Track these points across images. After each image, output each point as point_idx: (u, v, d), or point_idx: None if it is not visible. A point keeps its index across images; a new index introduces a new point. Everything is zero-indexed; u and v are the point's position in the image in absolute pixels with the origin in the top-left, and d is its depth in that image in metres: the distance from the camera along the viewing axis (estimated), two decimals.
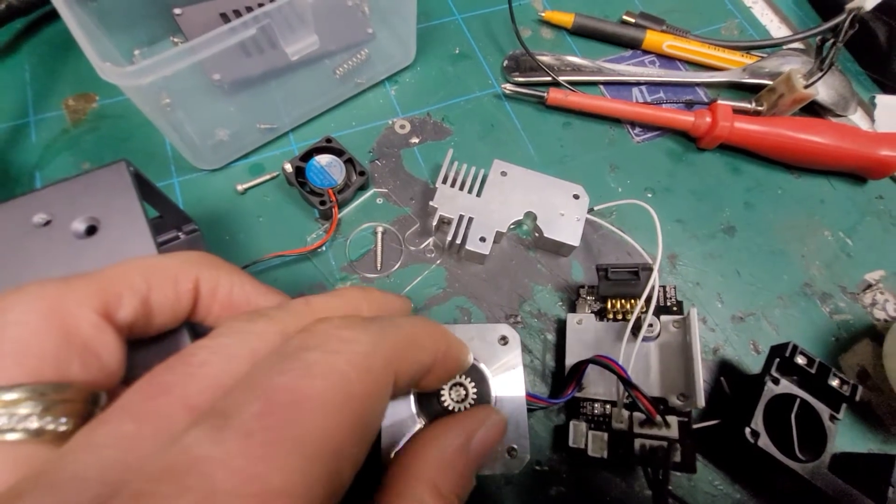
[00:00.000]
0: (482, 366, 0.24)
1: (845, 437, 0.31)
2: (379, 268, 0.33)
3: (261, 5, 0.37)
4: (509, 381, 0.24)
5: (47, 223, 0.22)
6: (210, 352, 0.14)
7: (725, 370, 0.31)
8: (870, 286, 0.35)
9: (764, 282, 0.34)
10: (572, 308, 0.32)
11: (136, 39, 0.38)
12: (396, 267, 0.33)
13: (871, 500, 0.25)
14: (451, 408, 0.21)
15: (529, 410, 0.29)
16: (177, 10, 0.37)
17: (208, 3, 0.38)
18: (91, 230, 0.23)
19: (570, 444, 0.27)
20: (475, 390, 0.22)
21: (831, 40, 0.35)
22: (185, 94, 0.34)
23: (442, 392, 0.21)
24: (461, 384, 0.21)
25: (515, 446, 0.23)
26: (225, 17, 0.37)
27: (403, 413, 0.22)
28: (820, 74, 0.35)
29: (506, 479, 0.28)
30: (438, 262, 0.33)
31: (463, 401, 0.21)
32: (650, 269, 0.28)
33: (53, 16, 0.38)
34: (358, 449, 0.12)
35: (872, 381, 0.32)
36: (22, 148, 0.34)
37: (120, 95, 0.36)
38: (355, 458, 0.12)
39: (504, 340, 0.25)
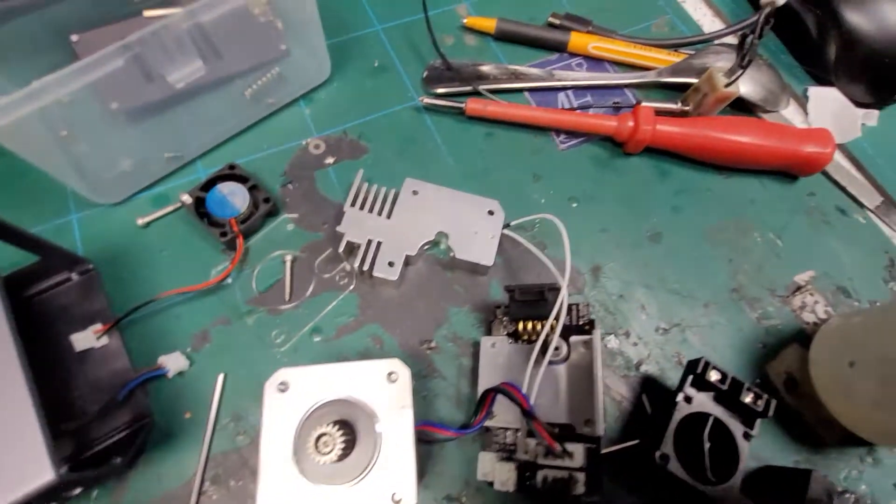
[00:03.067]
0: (369, 406, 0.23)
1: (774, 447, 0.30)
2: (288, 298, 0.31)
3: None
4: (397, 419, 0.23)
5: None
6: None
7: (648, 386, 0.30)
8: (799, 288, 0.34)
9: (690, 290, 0.33)
10: (489, 330, 0.31)
11: (34, 69, 0.36)
12: (308, 295, 0.32)
13: (767, 493, 0.24)
14: (319, 461, 0.20)
15: (435, 442, 0.28)
16: (74, 37, 0.35)
17: (107, 28, 0.36)
18: None
19: (478, 476, 0.26)
20: (343, 439, 0.20)
21: (750, 35, 0.33)
22: (83, 124, 0.32)
23: (307, 445, 0.20)
24: (327, 434, 0.20)
25: (399, 492, 0.22)
26: None
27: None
28: (740, 72, 0.34)
29: None
30: (351, 287, 0.32)
31: (329, 451, 0.20)
32: (557, 289, 0.27)
33: None
34: None
35: (801, 388, 0.31)
36: None
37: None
38: None
39: (393, 376, 0.24)
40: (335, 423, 0.22)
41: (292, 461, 0.22)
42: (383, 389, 0.24)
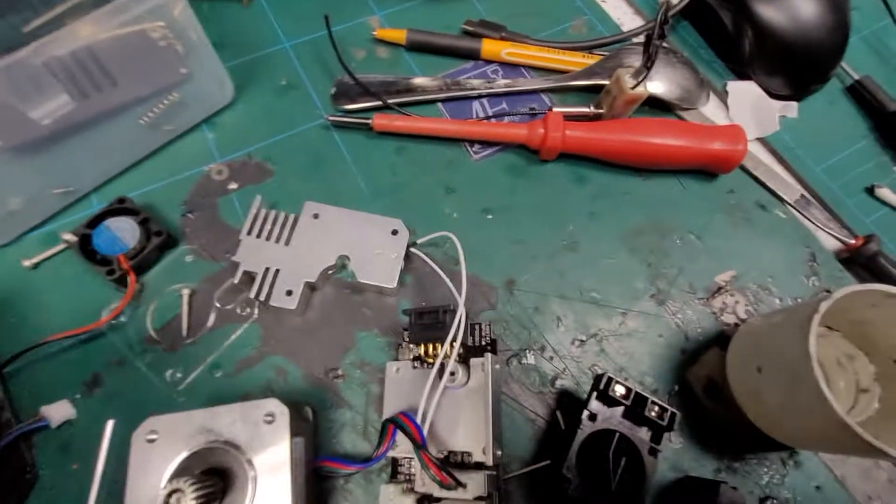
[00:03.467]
0: (245, 454, 0.22)
1: (692, 454, 0.29)
2: (185, 334, 0.30)
3: None
4: (274, 467, 0.22)
5: None
6: None
7: (564, 401, 0.29)
8: (720, 289, 0.33)
9: (608, 298, 0.32)
10: (398, 353, 0.30)
11: None
12: (207, 328, 0.30)
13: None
14: None
15: (338, 477, 0.27)
16: None
17: None
18: None
19: None
20: (199, 494, 0.19)
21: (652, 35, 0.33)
22: None
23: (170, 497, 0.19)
24: (178, 490, 0.19)
25: None
26: None
27: None
28: (646, 73, 0.33)
29: None
30: (254, 318, 0.31)
31: None
32: (452, 311, 0.26)
33: None
34: None
35: (721, 392, 0.30)
36: None
37: None
38: None
39: (270, 417, 0.22)
40: (201, 474, 0.21)
41: None
42: (260, 432, 0.22)
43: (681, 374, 0.31)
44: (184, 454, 0.22)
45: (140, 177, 0.34)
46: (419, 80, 0.38)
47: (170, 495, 0.19)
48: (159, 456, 0.22)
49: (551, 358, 0.31)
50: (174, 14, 0.32)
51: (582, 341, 0.31)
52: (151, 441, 0.22)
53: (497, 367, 0.26)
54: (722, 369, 0.30)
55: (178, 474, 0.21)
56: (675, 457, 0.29)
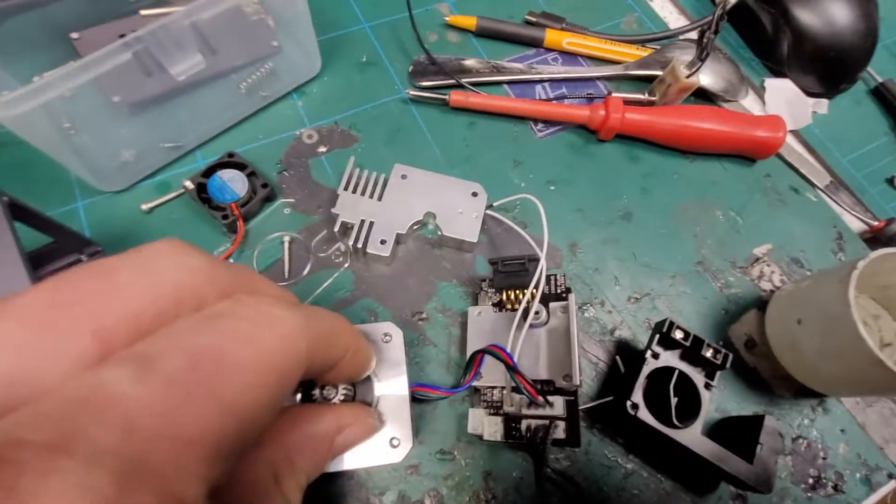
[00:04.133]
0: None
1: (736, 401, 0.33)
2: (287, 276, 0.33)
3: None
4: (392, 376, 0.25)
5: None
6: (136, 273, 0.13)
7: (621, 349, 0.33)
8: (757, 259, 0.37)
9: (659, 263, 0.36)
10: (475, 301, 0.33)
11: (38, 66, 0.37)
12: (305, 273, 0.34)
13: (742, 457, 0.27)
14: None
15: (429, 401, 0.30)
16: (74, 35, 0.37)
17: (106, 25, 0.38)
18: None
19: (469, 429, 0.28)
20: (345, 390, 0.23)
21: (707, 31, 0.37)
22: (86, 117, 0.34)
23: (314, 395, 0.22)
24: (332, 386, 0.22)
25: (398, 436, 0.24)
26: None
27: None
28: (699, 64, 0.37)
29: (410, 467, 0.29)
30: (346, 265, 0.34)
31: (332, 400, 0.22)
32: (537, 260, 0.30)
33: None
34: (266, 416, 0.13)
35: (759, 347, 0.34)
36: None
37: None
38: (261, 423, 0.13)
39: (387, 338, 0.26)
40: None
41: None
42: (379, 349, 0.26)
43: (723, 331, 0.35)
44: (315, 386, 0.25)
45: (239, 137, 0.38)
46: (486, 63, 0.42)
47: (323, 388, 0.22)
48: None
49: (610, 312, 0.34)
50: None
51: (637, 299, 0.35)
52: None
53: (576, 308, 0.29)
54: (760, 327, 0.34)
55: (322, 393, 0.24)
56: (718, 401, 0.33)
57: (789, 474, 0.31)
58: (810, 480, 0.31)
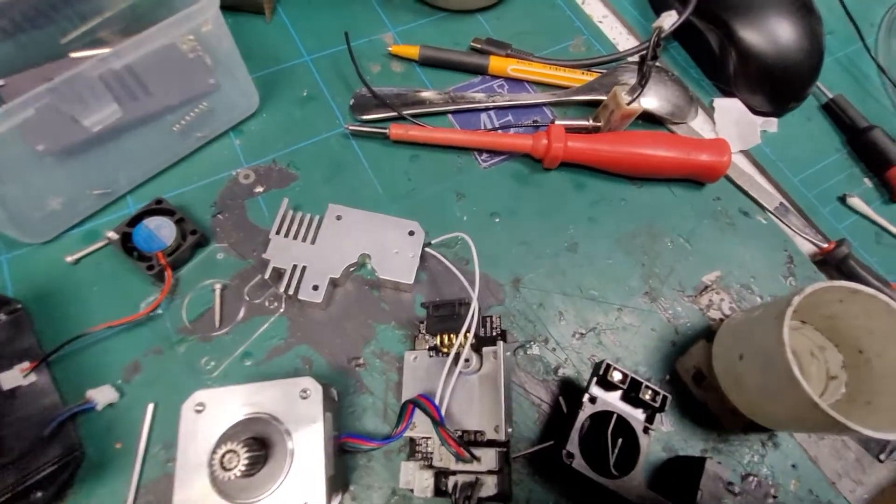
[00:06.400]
0: (281, 423, 0.24)
1: (682, 437, 0.32)
2: (218, 325, 0.32)
3: None
4: (308, 435, 0.24)
5: None
6: None
7: (566, 388, 0.32)
8: (707, 288, 0.36)
9: (605, 295, 0.35)
10: (413, 345, 0.32)
11: None
12: (238, 320, 0.33)
13: (674, 485, 0.26)
14: (224, 478, 0.21)
15: (353, 452, 0.29)
16: (0, 81, 0.36)
17: (35, 70, 0.37)
18: None
19: (400, 485, 0.27)
20: (248, 455, 0.22)
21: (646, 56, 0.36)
22: (10, 166, 0.33)
23: (213, 462, 0.21)
24: (233, 451, 0.21)
25: (309, 501, 0.23)
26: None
27: None
28: (640, 90, 0.37)
29: None
30: (281, 311, 0.33)
31: (232, 468, 0.21)
32: (467, 304, 0.29)
33: None
34: None
35: (707, 381, 0.33)
36: None
37: None
38: None
39: (305, 393, 0.25)
40: (248, 440, 0.23)
41: (207, 480, 0.23)
42: (296, 406, 0.25)
43: (671, 365, 0.34)
44: (228, 423, 0.24)
45: (172, 180, 0.37)
46: (430, 94, 0.41)
47: (224, 455, 0.21)
48: (206, 425, 0.24)
49: (554, 349, 0.33)
50: (203, 29, 0.34)
51: (582, 334, 0.34)
52: (199, 411, 0.25)
53: (507, 354, 0.29)
54: (708, 360, 0.33)
55: (224, 440, 0.23)
56: (666, 439, 0.32)
57: None
58: None
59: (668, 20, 0.34)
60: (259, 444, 0.23)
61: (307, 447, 0.24)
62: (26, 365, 0.29)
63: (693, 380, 0.33)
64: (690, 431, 0.32)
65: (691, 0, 0.42)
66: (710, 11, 0.43)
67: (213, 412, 0.25)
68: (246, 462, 0.21)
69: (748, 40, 0.42)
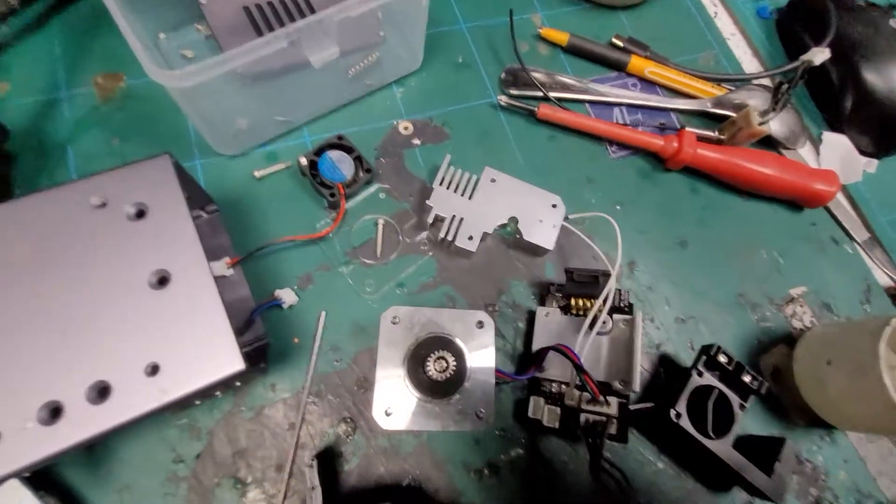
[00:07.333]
0: (461, 344, 0.30)
1: (758, 422, 0.37)
2: (378, 255, 0.37)
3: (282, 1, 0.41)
4: (482, 357, 0.29)
5: (103, 205, 0.26)
6: None
7: (665, 363, 0.37)
8: (792, 299, 0.41)
9: (706, 290, 0.40)
10: (542, 302, 0.37)
11: (161, 23, 0.40)
12: (394, 256, 0.37)
13: (762, 471, 0.31)
14: (433, 377, 0.26)
15: (497, 384, 0.35)
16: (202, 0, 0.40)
17: None
18: (140, 214, 0.27)
19: (530, 414, 0.33)
20: (455, 364, 0.27)
21: (785, 85, 0.40)
22: (211, 84, 0.37)
23: (427, 364, 0.26)
24: (443, 357, 0.27)
25: (483, 410, 0.28)
26: (247, 11, 0.40)
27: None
28: (773, 115, 0.40)
29: (474, 438, 0.33)
30: (431, 254, 0.38)
31: (444, 371, 0.26)
32: (608, 276, 0.34)
33: None
34: None
35: (783, 379, 0.38)
36: (55, 122, 0.37)
37: (146, 77, 0.39)
38: None
39: (480, 324, 0.30)
40: (452, 350, 0.28)
41: (403, 375, 0.28)
42: (472, 333, 0.30)
43: (754, 360, 0.39)
44: (419, 336, 0.29)
45: (342, 120, 0.41)
46: (571, 80, 0.45)
47: (437, 360, 0.26)
48: (399, 334, 0.29)
49: (658, 328, 0.38)
50: None
51: (683, 320, 0.39)
52: (395, 323, 0.30)
53: (641, 322, 0.33)
54: (787, 360, 0.38)
55: (418, 349, 0.28)
56: (742, 422, 0.37)
57: (793, 490, 0.36)
58: (810, 498, 0.36)
59: (820, 56, 0.38)
60: (456, 357, 0.28)
61: (481, 368, 0.29)
62: (229, 260, 0.34)
63: (771, 375, 0.38)
64: (763, 418, 0.37)
65: (827, 36, 0.45)
66: (839, 49, 0.46)
67: (404, 325, 0.30)
68: (453, 369, 0.26)
69: (870, 82, 0.45)
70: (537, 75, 0.44)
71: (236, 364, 0.24)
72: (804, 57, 0.38)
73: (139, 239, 0.26)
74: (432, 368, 0.26)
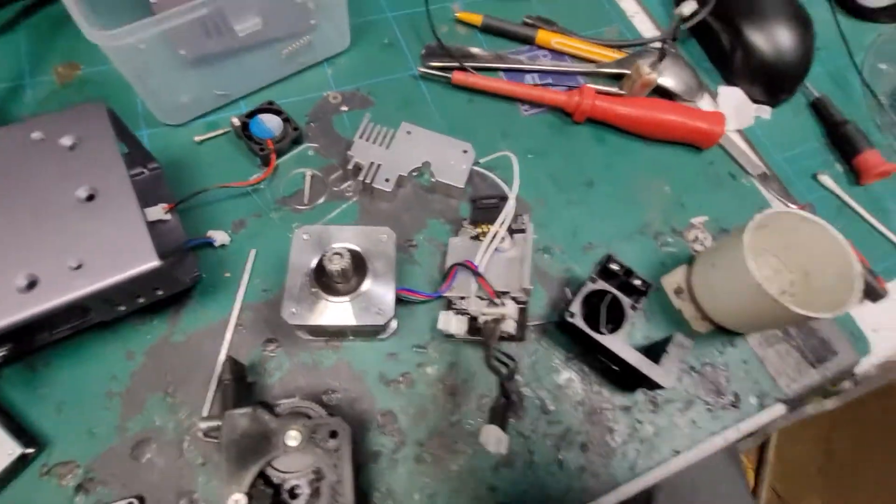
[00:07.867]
0: (362, 252, 0.33)
1: (661, 334, 0.40)
2: (306, 202, 0.41)
3: None
4: (383, 264, 0.33)
5: (42, 140, 0.31)
6: None
7: (571, 283, 0.41)
8: (693, 227, 0.45)
9: (612, 222, 0.44)
10: (456, 234, 0.41)
11: (119, 22, 0.46)
12: (320, 201, 0.42)
13: (651, 359, 0.34)
14: (332, 270, 0.30)
15: (413, 303, 0.38)
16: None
17: None
18: (74, 147, 0.31)
19: (439, 327, 0.36)
20: (350, 258, 0.30)
21: (669, 39, 0.45)
22: (158, 64, 0.42)
23: (324, 259, 0.30)
24: (339, 253, 0.30)
25: (382, 308, 0.32)
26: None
27: None
28: (658, 64, 0.45)
29: (389, 352, 0.36)
30: (355, 199, 0.42)
31: (340, 264, 0.30)
32: (506, 199, 0.38)
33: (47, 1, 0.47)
34: None
35: (685, 294, 0.41)
36: (18, 103, 0.42)
37: (101, 65, 0.45)
38: None
39: (384, 237, 0.34)
40: (348, 251, 0.32)
41: (310, 277, 0.32)
42: (376, 245, 0.34)
43: (657, 280, 0.42)
44: (327, 248, 0.33)
45: (276, 93, 0.46)
46: (486, 53, 0.50)
47: (333, 254, 0.30)
48: (310, 247, 0.33)
49: (566, 253, 0.42)
50: None
51: (589, 247, 0.43)
52: (306, 239, 0.33)
53: (534, 237, 0.37)
54: (688, 279, 0.42)
55: (326, 256, 0.32)
56: (647, 332, 0.40)
57: (696, 390, 0.38)
58: (713, 396, 0.38)
59: (688, 7, 0.43)
60: (354, 258, 0.32)
61: (382, 274, 0.33)
62: (165, 205, 0.38)
63: (674, 292, 0.41)
64: (668, 331, 0.40)
65: (709, 1, 0.51)
66: (725, 13, 0.52)
67: (314, 241, 0.34)
68: (346, 262, 0.30)
69: (753, 40, 0.50)
70: (454, 49, 0.50)
71: (151, 260, 0.28)
72: (675, 10, 0.44)
73: (72, 165, 0.30)
74: (328, 261, 0.30)
